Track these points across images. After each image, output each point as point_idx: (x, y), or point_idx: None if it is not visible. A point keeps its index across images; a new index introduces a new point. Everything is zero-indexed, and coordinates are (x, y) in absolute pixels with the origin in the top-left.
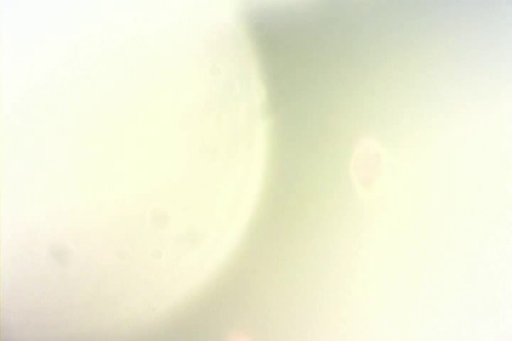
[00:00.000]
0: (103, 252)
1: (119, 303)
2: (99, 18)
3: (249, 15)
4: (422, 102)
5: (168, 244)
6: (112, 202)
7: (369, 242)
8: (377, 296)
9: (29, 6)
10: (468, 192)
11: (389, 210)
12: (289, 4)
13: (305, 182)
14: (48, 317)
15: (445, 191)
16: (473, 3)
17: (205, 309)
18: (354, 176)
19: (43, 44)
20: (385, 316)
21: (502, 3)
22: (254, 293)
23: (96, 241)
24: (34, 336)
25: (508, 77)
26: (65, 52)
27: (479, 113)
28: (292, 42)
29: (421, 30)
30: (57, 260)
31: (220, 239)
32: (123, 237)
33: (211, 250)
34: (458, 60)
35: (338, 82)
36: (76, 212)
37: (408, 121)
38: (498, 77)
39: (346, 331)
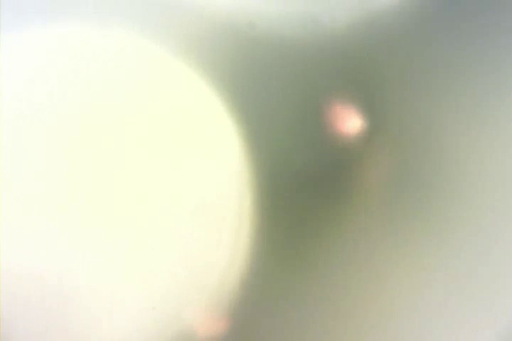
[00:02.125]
0: (101, 248)
1: (118, 301)
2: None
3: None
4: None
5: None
6: (111, 199)
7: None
8: (381, 299)
9: (29, 11)
10: (454, 179)
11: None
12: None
13: (301, 163)
14: (43, 314)
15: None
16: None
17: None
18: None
19: (43, 48)
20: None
21: None
22: (256, 291)
23: (94, 235)
24: (27, 329)
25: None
26: (66, 59)
27: (475, 102)
28: (284, 41)
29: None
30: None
31: (222, 235)
32: (121, 231)
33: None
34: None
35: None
36: (74, 208)
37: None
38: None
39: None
